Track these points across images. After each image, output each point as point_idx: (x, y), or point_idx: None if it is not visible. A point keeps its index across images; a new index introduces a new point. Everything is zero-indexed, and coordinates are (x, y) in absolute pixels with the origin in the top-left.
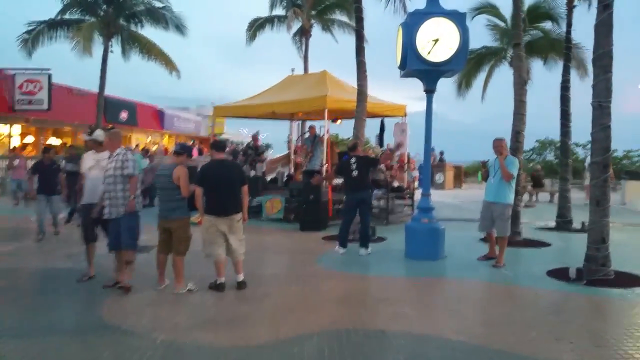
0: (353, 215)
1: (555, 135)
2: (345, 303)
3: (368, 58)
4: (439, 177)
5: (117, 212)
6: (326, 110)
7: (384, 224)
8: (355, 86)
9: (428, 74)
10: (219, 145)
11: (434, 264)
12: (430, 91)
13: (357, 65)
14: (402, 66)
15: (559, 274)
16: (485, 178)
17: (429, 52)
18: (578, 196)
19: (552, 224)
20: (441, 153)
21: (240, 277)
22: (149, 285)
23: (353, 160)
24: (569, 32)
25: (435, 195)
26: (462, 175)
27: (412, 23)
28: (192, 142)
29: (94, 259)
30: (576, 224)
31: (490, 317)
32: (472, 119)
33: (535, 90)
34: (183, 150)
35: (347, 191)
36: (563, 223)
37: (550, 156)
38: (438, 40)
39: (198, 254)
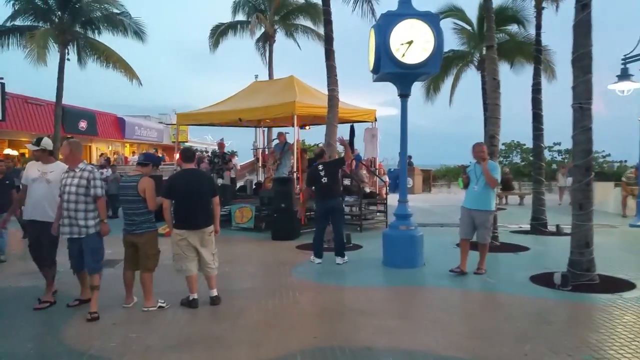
0: (325, 224)
1: (521, 137)
2: (326, 317)
3: (337, 61)
4: (408, 182)
5: (78, 232)
6: (295, 117)
7: (358, 230)
8: (324, 92)
9: (403, 77)
10: (187, 154)
11: (413, 272)
12: (404, 95)
13: (327, 69)
14: (375, 70)
15: (543, 279)
16: (466, 184)
17: (403, 55)
18: (549, 198)
19: (527, 226)
20: (409, 157)
21: (214, 292)
22: (117, 303)
23: (321, 167)
24: (538, 34)
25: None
26: (430, 179)
27: (384, 25)
28: (154, 150)
29: (53, 282)
30: (551, 227)
31: (479, 329)
32: (437, 122)
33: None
34: (148, 161)
35: (317, 199)
36: (538, 226)
37: (516, 159)
38: (412, 43)
39: (167, 268)
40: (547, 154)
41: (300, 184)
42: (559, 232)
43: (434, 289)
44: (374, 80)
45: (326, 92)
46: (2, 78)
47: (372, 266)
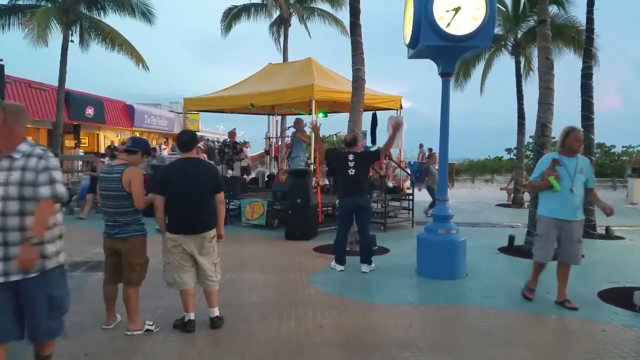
0: (349, 225)
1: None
2: (355, 351)
3: (346, 48)
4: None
5: (20, 268)
6: (313, 102)
7: (382, 230)
8: (345, 76)
9: (447, 51)
10: (183, 139)
11: (455, 285)
12: (447, 74)
13: (352, 45)
14: (413, 42)
15: (615, 297)
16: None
17: (448, 24)
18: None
19: None
20: (430, 150)
21: (215, 312)
22: (95, 322)
23: (351, 157)
24: (590, 11)
25: (425, 195)
26: (453, 173)
27: None
28: (164, 140)
29: None
30: (600, 228)
31: None
32: (456, 115)
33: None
34: (137, 147)
35: (341, 194)
36: (585, 228)
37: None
38: (459, 9)
39: (157, 278)
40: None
41: (317, 177)
42: (609, 236)
43: (486, 311)
44: (410, 57)
45: (347, 77)
46: (0, 60)
47: (404, 276)
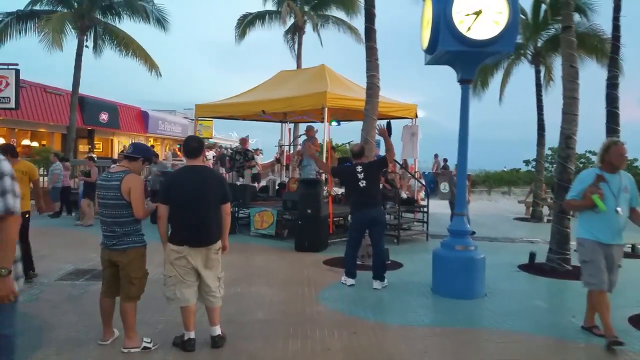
0: (361, 238)
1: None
2: None
3: (360, 56)
4: (443, 187)
5: None
6: (326, 109)
7: (395, 242)
8: (359, 84)
9: (467, 57)
10: (190, 146)
11: (473, 305)
12: (466, 81)
13: (367, 51)
14: (431, 48)
15: None
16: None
17: (468, 28)
18: None
19: None
20: (445, 160)
21: (217, 330)
22: (91, 337)
23: (359, 168)
24: (616, 18)
25: (441, 206)
26: (469, 184)
27: None
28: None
29: None
30: (627, 247)
31: None
32: (454, 124)
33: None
34: (138, 153)
35: (353, 207)
36: None
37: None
38: (480, 13)
39: (160, 291)
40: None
41: (329, 186)
42: (635, 254)
43: (508, 335)
44: (427, 63)
45: (361, 85)
46: (17, 64)
47: (418, 294)
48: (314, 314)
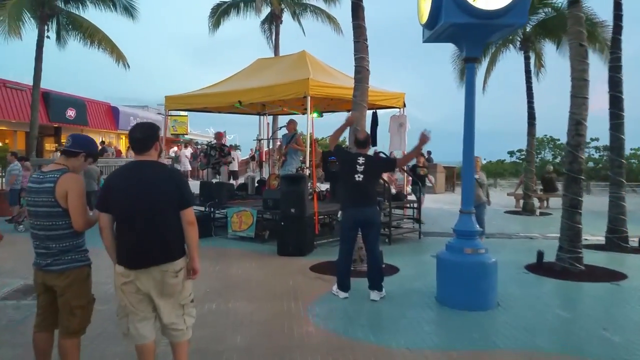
0: (354, 242)
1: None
2: None
3: (346, 50)
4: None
5: None
6: (309, 98)
7: (386, 242)
8: (343, 71)
9: (474, 30)
10: (133, 136)
11: (486, 318)
12: (472, 59)
13: (354, 31)
14: (431, 22)
15: None
16: None
17: None
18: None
19: (599, 239)
20: (428, 152)
21: None
22: None
23: (361, 159)
24: None
25: (428, 200)
26: (454, 177)
27: None
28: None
29: None
30: (632, 240)
31: None
32: (432, 117)
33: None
34: (78, 147)
35: (345, 204)
36: (616, 240)
37: (548, 155)
38: None
39: (110, 320)
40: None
41: (314, 183)
42: None
43: (534, 357)
44: (426, 40)
45: (345, 72)
46: None
47: (422, 305)
48: (304, 336)
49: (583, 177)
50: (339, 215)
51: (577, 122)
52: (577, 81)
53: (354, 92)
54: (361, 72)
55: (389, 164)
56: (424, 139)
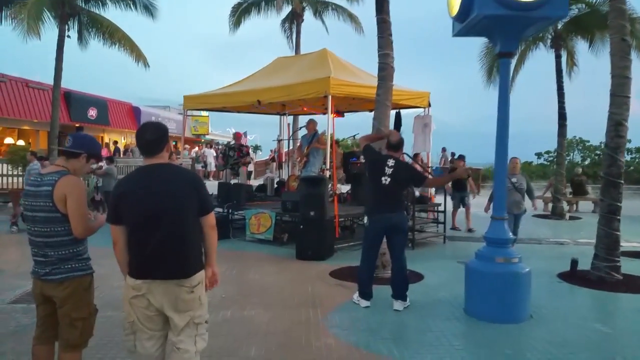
0: (377, 250)
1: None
2: None
3: (367, 50)
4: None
5: None
6: (330, 97)
7: (409, 247)
8: (365, 70)
9: (510, 23)
10: (144, 138)
11: (519, 331)
12: (507, 54)
13: (378, 26)
14: (463, 14)
15: None
16: None
17: None
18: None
19: (635, 245)
20: (452, 154)
21: None
22: None
23: (392, 162)
24: None
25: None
26: (480, 179)
27: None
28: (174, 143)
29: None
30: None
31: None
32: (454, 118)
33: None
34: (79, 147)
35: (371, 210)
36: None
37: (577, 157)
38: None
39: (120, 327)
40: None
41: (334, 185)
42: None
43: None
44: (456, 34)
45: (369, 71)
46: None
47: (449, 316)
48: (323, 349)
49: (622, 182)
50: (365, 220)
51: (617, 123)
52: (618, 79)
53: (377, 90)
54: (385, 69)
55: (417, 179)
56: (462, 172)
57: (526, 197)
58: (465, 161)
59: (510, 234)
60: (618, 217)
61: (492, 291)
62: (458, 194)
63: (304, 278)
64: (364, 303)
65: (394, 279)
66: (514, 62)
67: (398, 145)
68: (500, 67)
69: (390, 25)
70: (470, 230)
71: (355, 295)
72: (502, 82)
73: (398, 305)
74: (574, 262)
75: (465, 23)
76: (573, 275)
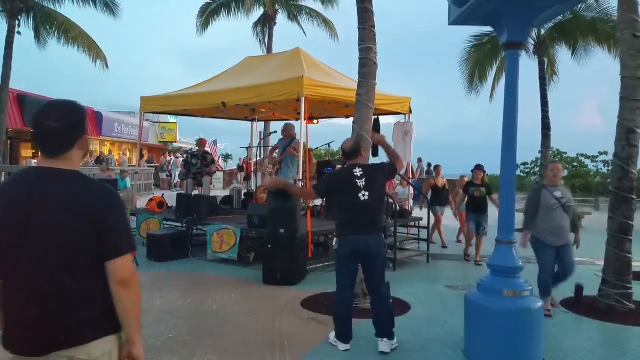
0: (354, 278)
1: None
2: None
3: (343, 59)
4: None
5: None
6: (303, 100)
7: (390, 267)
8: (341, 71)
9: (519, 7)
10: (48, 123)
11: None
12: (516, 45)
13: (359, 16)
14: None
15: None
16: None
17: None
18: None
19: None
20: (429, 165)
21: None
22: None
23: (359, 171)
24: None
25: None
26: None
27: None
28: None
29: None
30: None
31: None
32: (427, 130)
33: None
34: None
35: (342, 230)
36: None
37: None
38: None
39: None
40: (591, 166)
41: (307, 200)
42: None
43: None
44: (453, 22)
45: (344, 72)
46: None
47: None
48: None
49: (634, 197)
50: (334, 243)
51: (629, 130)
52: (629, 80)
53: (358, 89)
54: (367, 65)
55: (389, 169)
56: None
57: None
58: (484, 171)
59: (519, 260)
60: (630, 237)
61: (499, 331)
62: (474, 216)
63: (271, 310)
64: (343, 347)
65: (376, 314)
66: (493, 70)
67: (354, 151)
68: (507, 60)
69: (373, 15)
70: (444, 247)
71: (332, 335)
72: (509, 77)
73: (384, 346)
74: (579, 288)
75: (466, 8)
76: (578, 303)
